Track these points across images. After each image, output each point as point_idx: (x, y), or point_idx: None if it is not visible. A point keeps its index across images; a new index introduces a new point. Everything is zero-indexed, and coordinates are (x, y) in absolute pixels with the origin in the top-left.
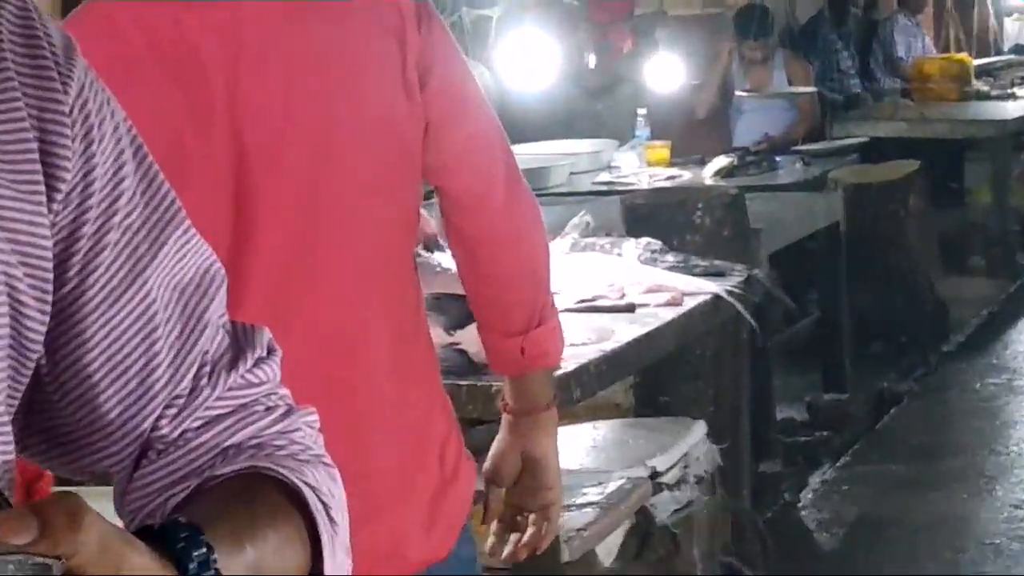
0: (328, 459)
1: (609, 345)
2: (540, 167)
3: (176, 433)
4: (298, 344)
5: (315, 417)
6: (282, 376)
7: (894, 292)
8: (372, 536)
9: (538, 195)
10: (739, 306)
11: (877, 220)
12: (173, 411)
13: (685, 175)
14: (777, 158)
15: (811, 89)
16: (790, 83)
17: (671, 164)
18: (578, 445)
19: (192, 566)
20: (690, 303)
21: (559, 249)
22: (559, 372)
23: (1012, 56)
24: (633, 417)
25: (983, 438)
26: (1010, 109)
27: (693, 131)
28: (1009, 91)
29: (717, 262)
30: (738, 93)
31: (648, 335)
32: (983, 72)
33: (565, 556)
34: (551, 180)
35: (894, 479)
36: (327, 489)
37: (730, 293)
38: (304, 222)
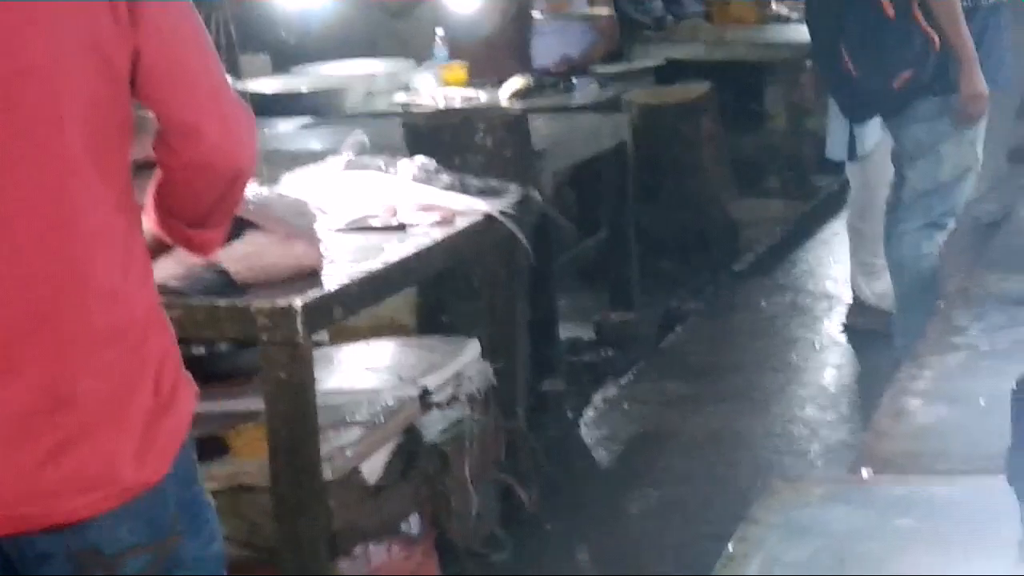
0: None
1: (374, 264)
2: (336, 88)
3: None
4: None
5: None
6: None
7: (684, 212)
8: (81, 461)
9: (333, 116)
10: (511, 225)
11: (668, 141)
12: None
13: (481, 96)
14: (574, 80)
15: (609, 12)
16: (590, 5)
17: (469, 85)
18: (351, 364)
19: None
20: (462, 223)
21: (333, 168)
22: (320, 293)
23: None
24: (416, 336)
25: (764, 356)
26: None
27: (491, 52)
28: None
29: (493, 182)
30: (536, 15)
31: (416, 254)
32: None
33: (328, 474)
34: (347, 100)
35: (675, 396)
36: None
37: (503, 213)
38: (3, 140)
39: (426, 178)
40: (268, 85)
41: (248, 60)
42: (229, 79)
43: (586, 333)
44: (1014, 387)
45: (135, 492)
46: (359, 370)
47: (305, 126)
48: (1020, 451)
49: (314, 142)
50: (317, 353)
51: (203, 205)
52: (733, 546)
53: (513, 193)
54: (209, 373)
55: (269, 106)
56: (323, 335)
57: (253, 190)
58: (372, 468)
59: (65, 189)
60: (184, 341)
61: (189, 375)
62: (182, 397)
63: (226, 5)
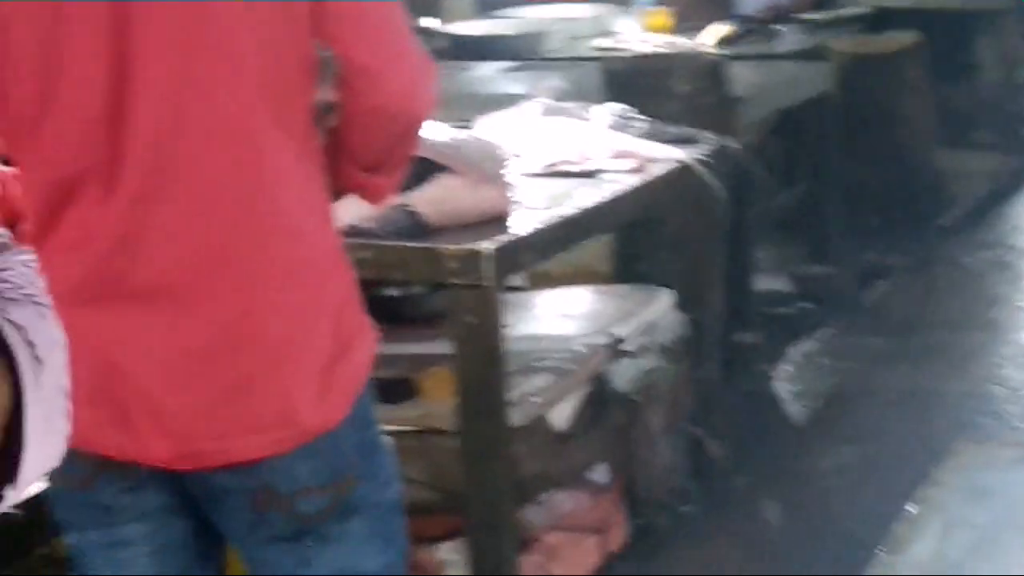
0: (41, 299)
1: (565, 210)
2: (538, 31)
3: None
4: (182, 207)
5: (32, 257)
6: (166, 249)
7: (889, 164)
8: (258, 400)
9: (534, 59)
10: (706, 174)
11: (873, 91)
12: None
13: (684, 42)
14: (779, 27)
15: None
16: None
17: (673, 31)
18: (543, 311)
19: None
20: (656, 170)
21: (528, 113)
22: (511, 237)
23: None
24: (611, 285)
25: (965, 313)
26: None
27: None
28: None
29: (688, 130)
30: None
31: (608, 202)
32: None
33: (515, 420)
34: (548, 44)
35: (872, 352)
36: (35, 328)
37: (698, 161)
38: (184, 79)
39: (621, 125)
40: (470, 28)
41: (451, 2)
42: (432, 21)
43: (784, 285)
44: None
45: (312, 434)
46: (552, 316)
47: (504, 70)
48: None
49: (512, 86)
50: (511, 298)
51: (379, 150)
52: (913, 508)
53: (709, 141)
54: (403, 315)
55: (471, 49)
56: (521, 280)
57: (446, 132)
58: (560, 415)
59: (247, 129)
60: (379, 283)
61: (370, 318)
62: (362, 340)
63: None
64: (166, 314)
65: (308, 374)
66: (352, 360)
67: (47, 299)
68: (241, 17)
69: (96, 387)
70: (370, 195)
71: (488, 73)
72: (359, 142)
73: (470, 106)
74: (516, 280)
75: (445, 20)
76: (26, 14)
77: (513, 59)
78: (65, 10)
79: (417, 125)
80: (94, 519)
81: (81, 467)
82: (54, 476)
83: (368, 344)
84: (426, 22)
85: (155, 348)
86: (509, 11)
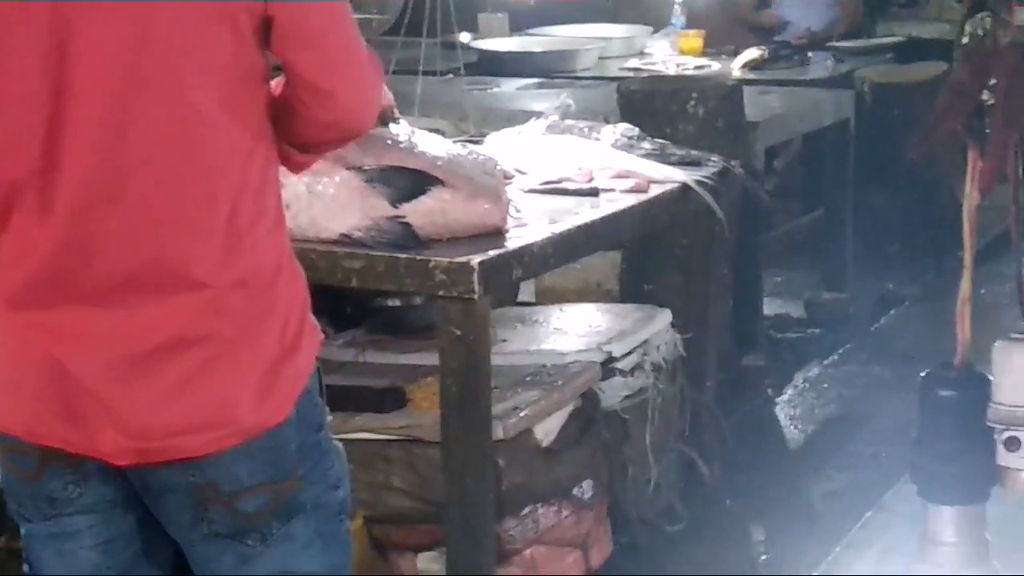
0: None
1: (558, 227)
2: (567, 50)
3: None
4: (124, 223)
5: None
6: (110, 255)
7: (910, 194)
8: (200, 400)
9: (563, 77)
10: (706, 196)
11: (898, 120)
12: None
13: (714, 65)
14: (810, 54)
15: None
16: None
17: (704, 54)
18: (542, 326)
19: None
20: (656, 191)
21: (535, 130)
22: (499, 251)
23: None
24: (612, 303)
25: (973, 346)
26: None
27: (730, 22)
28: None
29: (694, 152)
30: None
31: (602, 219)
32: None
33: (498, 433)
34: (579, 63)
35: (876, 380)
36: None
37: (699, 183)
38: (127, 95)
39: (626, 145)
40: (501, 44)
41: (486, 19)
42: (465, 36)
43: (796, 310)
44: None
45: (254, 433)
46: (548, 332)
47: (530, 86)
48: (925, 446)
49: (533, 103)
50: (514, 312)
51: (316, 143)
52: (856, 531)
53: (713, 164)
54: (399, 325)
55: (501, 65)
56: (530, 295)
57: (443, 146)
58: (547, 430)
59: (193, 142)
60: (378, 293)
61: (315, 321)
62: (306, 343)
63: None
64: (111, 317)
65: (249, 375)
66: (295, 362)
67: None
68: (188, 44)
69: (42, 383)
70: (291, 166)
71: (513, 90)
72: (299, 133)
73: (490, 121)
74: (524, 295)
75: (480, 35)
76: None
77: (541, 76)
78: (6, 21)
79: (360, 133)
80: (41, 510)
81: (29, 458)
82: (5, 466)
83: (312, 346)
84: (459, 37)
85: (100, 349)
86: (542, 29)
